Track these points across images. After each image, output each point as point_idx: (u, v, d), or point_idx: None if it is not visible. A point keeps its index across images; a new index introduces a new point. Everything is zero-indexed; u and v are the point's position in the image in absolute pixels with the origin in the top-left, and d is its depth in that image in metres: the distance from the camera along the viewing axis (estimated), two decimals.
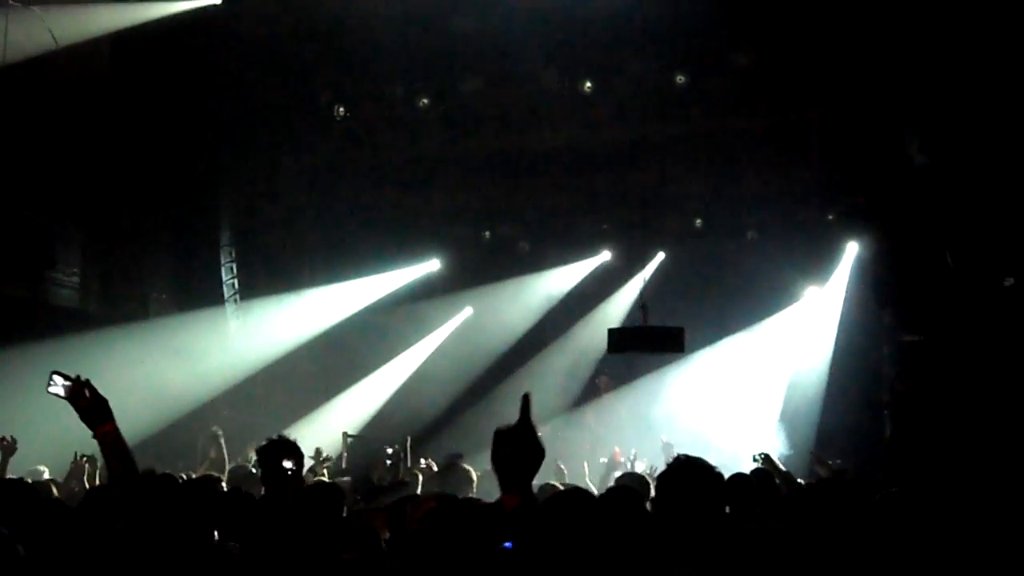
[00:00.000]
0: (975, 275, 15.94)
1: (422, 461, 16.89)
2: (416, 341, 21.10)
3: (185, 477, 9.87)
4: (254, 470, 10.93)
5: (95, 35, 15.76)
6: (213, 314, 19.23)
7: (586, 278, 20.94)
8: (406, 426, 18.52)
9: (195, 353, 17.66)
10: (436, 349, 21.22)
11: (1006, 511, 6.61)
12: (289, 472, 6.75)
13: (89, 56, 16.43)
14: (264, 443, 7.10)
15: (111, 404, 5.46)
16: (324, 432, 16.84)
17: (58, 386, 5.46)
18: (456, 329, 21.42)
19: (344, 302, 20.14)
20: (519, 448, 3.92)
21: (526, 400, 4.01)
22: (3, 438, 9.73)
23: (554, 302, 20.93)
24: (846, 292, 18.97)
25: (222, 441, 13.24)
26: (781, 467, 11.44)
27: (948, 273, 16.23)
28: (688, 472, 5.18)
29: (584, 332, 20.68)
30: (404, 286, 20.77)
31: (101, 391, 5.48)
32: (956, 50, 15.04)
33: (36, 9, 13.96)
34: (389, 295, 20.63)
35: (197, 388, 17.17)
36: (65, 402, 5.40)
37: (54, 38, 14.09)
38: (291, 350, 19.36)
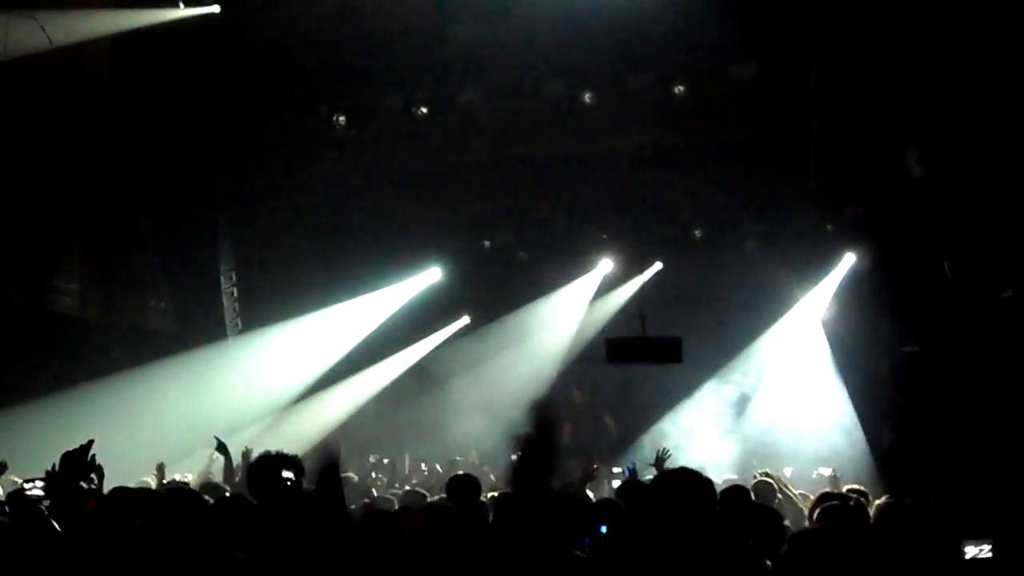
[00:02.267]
0: (974, 287, 15.95)
1: (423, 466, 16.98)
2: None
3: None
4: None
5: (93, 38, 15.78)
6: (218, 345, 19.14)
7: (590, 293, 20.90)
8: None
9: (200, 389, 17.59)
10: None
11: (1006, 521, 6.62)
12: (288, 483, 6.78)
13: (89, 64, 16.50)
14: (261, 456, 7.15)
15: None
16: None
17: (36, 488, 5.52)
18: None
19: (352, 325, 19.98)
20: None
21: None
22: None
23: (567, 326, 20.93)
24: (839, 302, 18.96)
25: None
26: (787, 486, 11.48)
27: (947, 284, 16.24)
28: (679, 480, 5.20)
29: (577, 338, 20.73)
30: (410, 300, 20.59)
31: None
32: (955, 62, 15.06)
33: (32, 14, 13.97)
34: (396, 312, 20.47)
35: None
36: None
37: (48, 37, 14.09)
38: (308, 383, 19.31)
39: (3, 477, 10.81)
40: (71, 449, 5.66)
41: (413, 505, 8.70)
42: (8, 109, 15.40)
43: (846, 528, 5.95)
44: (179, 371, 17.49)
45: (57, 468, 5.65)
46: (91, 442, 5.72)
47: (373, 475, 16.03)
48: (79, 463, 5.61)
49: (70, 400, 15.28)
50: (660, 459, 11.18)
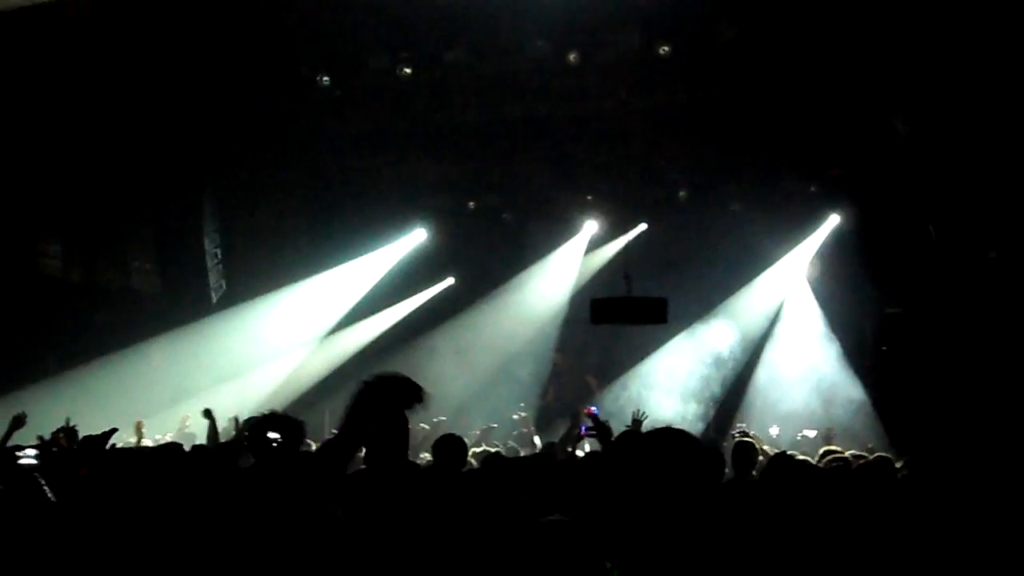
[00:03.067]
0: (958, 248, 15.99)
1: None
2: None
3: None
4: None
5: None
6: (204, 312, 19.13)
7: (574, 254, 20.91)
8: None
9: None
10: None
11: (989, 488, 6.68)
12: (274, 444, 6.78)
13: (70, 22, 16.33)
14: (257, 417, 7.14)
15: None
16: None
17: (29, 457, 5.53)
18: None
19: (338, 290, 20.07)
20: None
21: None
22: (21, 413, 9.95)
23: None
24: (824, 263, 19.03)
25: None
26: (763, 443, 11.53)
27: (931, 245, 16.28)
28: (667, 440, 5.14)
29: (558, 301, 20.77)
30: (396, 263, 20.62)
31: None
32: (940, 22, 15.04)
33: None
34: (384, 276, 20.49)
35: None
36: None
37: None
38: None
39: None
40: (94, 434, 5.70)
41: None
42: None
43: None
44: (167, 336, 17.55)
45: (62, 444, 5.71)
46: (114, 430, 5.76)
47: None
48: (99, 448, 5.66)
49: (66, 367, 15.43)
50: (637, 421, 11.19)
